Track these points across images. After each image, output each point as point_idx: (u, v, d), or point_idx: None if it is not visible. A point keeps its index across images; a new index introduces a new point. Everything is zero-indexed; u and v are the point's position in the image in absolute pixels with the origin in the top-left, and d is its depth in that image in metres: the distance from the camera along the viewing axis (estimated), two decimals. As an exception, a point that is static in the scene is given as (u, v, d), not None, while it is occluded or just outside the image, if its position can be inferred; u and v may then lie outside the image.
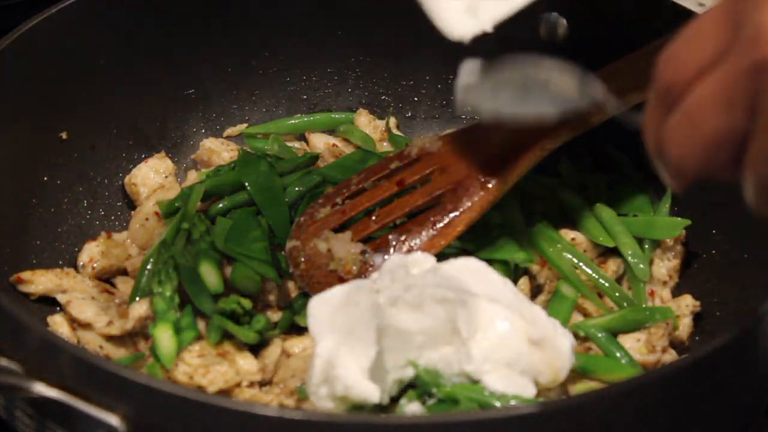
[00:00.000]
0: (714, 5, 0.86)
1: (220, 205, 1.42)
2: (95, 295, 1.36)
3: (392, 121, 1.65)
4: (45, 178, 1.45)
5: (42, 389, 1.02)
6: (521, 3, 1.15)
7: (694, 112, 0.84)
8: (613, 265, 1.42)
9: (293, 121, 1.66)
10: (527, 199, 1.48)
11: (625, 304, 1.37)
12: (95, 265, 1.41)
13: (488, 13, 1.14)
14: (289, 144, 1.61)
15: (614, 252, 1.43)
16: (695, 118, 0.84)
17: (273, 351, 1.31)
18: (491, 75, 1.16)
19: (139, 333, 1.31)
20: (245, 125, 1.65)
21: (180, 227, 1.36)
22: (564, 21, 1.25)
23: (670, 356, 1.33)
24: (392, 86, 1.69)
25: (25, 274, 1.34)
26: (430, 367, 1.16)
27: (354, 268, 1.32)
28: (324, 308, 1.19)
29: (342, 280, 1.31)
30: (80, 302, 1.32)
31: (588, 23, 1.48)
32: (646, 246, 1.43)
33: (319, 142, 1.61)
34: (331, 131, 1.65)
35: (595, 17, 1.49)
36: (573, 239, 1.42)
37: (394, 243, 1.34)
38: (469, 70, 1.16)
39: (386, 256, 1.32)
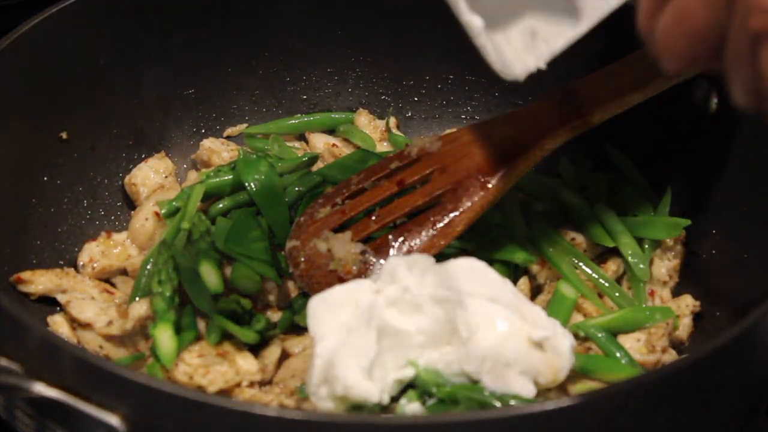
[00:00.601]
0: None
1: (220, 205, 1.42)
2: (95, 295, 1.36)
3: (392, 121, 1.65)
4: (45, 178, 1.45)
5: (42, 389, 1.02)
6: (571, 38, 1.15)
7: (683, 7, 0.94)
8: (613, 265, 1.42)
9: (293, 121, 1.66)
10: (527, 199, 1.48)
11: (625, 304, 1.37)
12: (95, 265, 1.41)
13: (541, 50, 1.15)
14: (289, 144, 1.61)
15: (614, 252, 1.43)
16: (683, 13, 0.94)
17: (273, 351, 1.31)
18: None
19: (139, 333, 1.31)
20: (245, 125, 1.65)
21: (180, 227, 1.36)
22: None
23: (670, 356, 1.33)
24: (392, 86, 1.69)
25: (25, 274, 1.34)
26: (430, 367, 1.16)
27: (354, 268, 1.32)
28: (324, 308, 1.19)
29: (342, 280, 1.31)
30: (80, 302, 1.32)
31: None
32: (646, 246, 1.42)
33: (319, 142, 1.61)
34: (331, 131, 1.65)
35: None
36: (573, 239, 1.42)
37: (394, 243, 1.34)
38: None
39: (386, 257, 1.32)
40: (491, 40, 1.13)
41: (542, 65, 1.15)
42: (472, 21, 1.12)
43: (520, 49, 1.16)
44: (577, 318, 1.36)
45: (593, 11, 1.15)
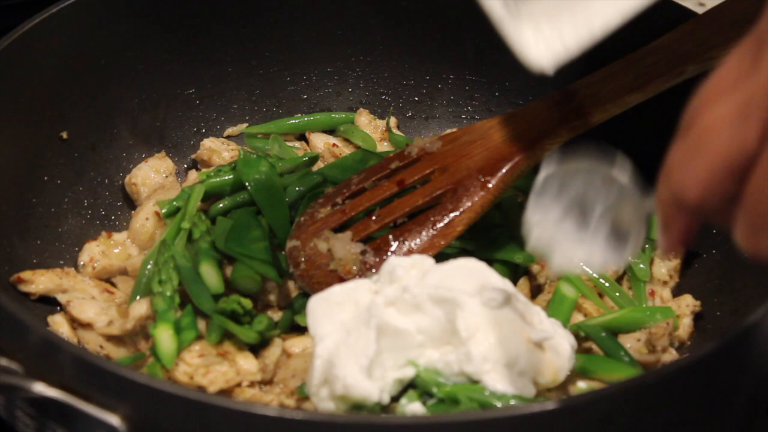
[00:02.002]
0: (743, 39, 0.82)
1: (221, 205, 1.42)
2: (95, 295, 1.36)
3: (392, 121, 1.65)
4: (45, 178, 1.45)
5: (42, 389, 1.02)
6: (603, 29, 1.13)
7: (704, 131, 0.81)
8: (613, 265, 1.42)
9: (293, 121, 1.66)
10: (527, 199, 1.47)
11: (625, 304, 1.37)
12: (95, 264, 1.41)
13: (571, 39, 1.11)
14: (289, 144, 1.61)
15: (614, 252, 1.43)
16: (704, 138, 0.81)
17: (273, 351, 1.31)
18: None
19: (140, 333, 1.31)
20: (245, 125, 1.65)
21: (180, 227, 1.36)
22: None
23: (670, 356, 1.33)
24: (392, 86, 1.69)
25: (25, 274, 1.34)
26: (430, 367, 1.16)
27: (354, 268, 1.32)
28: (324, 308, 1.19)
29: (342, 280, 1.31)
30: (80, 302, 1.32)
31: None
32: (647, 246, 1.42)
33: (319, 142, 1.61)
34: (331, 131, 1.65)
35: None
36: (573, 239, 1.42)
37: (394, 243, 1.33)
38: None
39: (386, 256, 1.32)
40: (515, 27, 1.12)
41: (572, 55, 1.10)
42: (494, 7, 1.10)
43: (546, 38, 1.13)
44: (578, 318, 1.36)
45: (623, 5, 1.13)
